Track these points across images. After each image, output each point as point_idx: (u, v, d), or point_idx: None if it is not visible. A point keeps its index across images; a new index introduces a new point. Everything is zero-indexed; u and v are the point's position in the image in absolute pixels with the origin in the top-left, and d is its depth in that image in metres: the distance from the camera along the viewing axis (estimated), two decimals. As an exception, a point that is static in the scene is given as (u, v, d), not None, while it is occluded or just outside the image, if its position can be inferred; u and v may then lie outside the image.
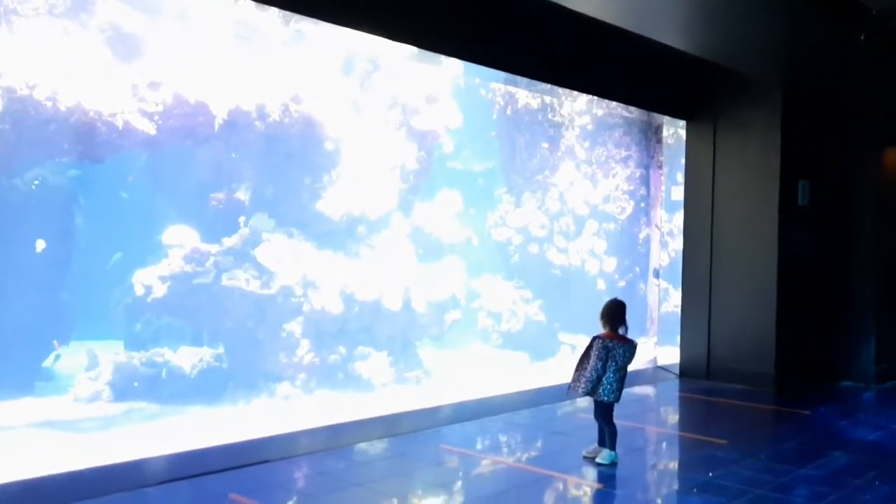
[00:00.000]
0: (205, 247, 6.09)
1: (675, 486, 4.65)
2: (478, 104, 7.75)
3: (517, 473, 5.09)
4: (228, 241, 6.13)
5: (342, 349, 6.45)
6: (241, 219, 6.34)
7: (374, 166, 6.85)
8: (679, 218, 10.00)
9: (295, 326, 6.18)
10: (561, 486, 4.82)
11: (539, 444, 5.98)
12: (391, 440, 5.75)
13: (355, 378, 6.50)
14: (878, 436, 6.50)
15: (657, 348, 9.59)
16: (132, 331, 6.96)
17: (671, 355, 9.76)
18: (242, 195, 6.40)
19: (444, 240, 7.36)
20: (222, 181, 6.35)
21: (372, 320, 6.68)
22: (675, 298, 10.02)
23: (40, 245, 6.21)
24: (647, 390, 8.53)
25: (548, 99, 8.40)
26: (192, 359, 6.20)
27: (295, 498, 4.35)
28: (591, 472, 5.18)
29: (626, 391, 8.35)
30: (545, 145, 8.36)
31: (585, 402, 7.65)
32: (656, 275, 9.75)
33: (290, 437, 5.52)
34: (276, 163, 6.32)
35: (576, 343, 8.67)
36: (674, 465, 5.33)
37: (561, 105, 8.52)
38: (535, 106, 8.26)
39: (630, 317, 9.61)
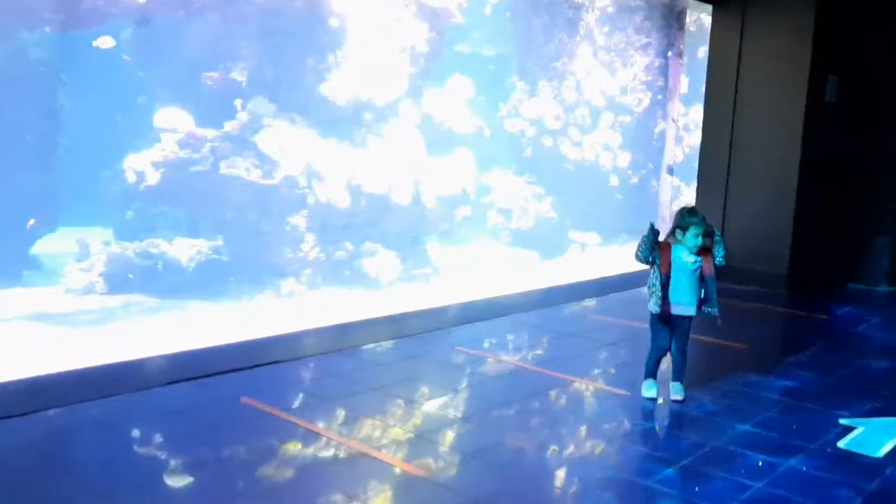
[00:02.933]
0: (201, 131, 5.64)
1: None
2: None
3: (534, 377, 4.88)
4: (226, 126, 5.67)
5: (349, 245, 6.13)
6: (239, 101, 5.84)
7: (381, 47, 6.30)
8: (695, 112, 9.52)
9: (299, 220, 5.82)
10: (586, 389, 4.63)
11: (553, 347, 5.78)
12: (401, 341, 5.54)
13: (362, 275, 6.22)
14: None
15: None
16: (124, 219, 6.58)
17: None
18: (239, 75, 5.88)
19: (455, 130, 6.91)
20: (217, 59, 5.81)
21: (380, 215, 6.33)
22: (686, 196, 9.70)
23: (23, 124, 5.74)
24: (645, 289, 8.31)
25: (570, -23, 7.74)
26: (189, 251, 5.88)
27: (309, 402, 4.13)
28: (612, 377, 4.98)
29: (635, 291, 8.17)
30: (563, 30, 7.77)
31: (593, 303, 7.48)
32: (670, 171, 9.37)
33: (298, 337, 5.29)
34: (277, 40, 5.77)
35: (586, 241, 8.39)
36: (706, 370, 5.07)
37: (583, -16, 7.88)
38: (556, -16, 7.61)
39: (637, 214, 9.37)
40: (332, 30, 5.95)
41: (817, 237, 8.47)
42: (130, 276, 5.90)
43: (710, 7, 8.75)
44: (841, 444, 3.70)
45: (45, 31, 5.32)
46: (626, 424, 4.12)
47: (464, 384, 4.73)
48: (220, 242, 5.74)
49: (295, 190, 5.79)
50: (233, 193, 5.59)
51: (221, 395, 4.12)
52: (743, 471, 3.43)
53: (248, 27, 5.69)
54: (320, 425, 3.78)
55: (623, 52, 8.50)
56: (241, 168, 5.58)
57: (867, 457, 3.58)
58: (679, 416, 4.09)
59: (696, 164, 9.61)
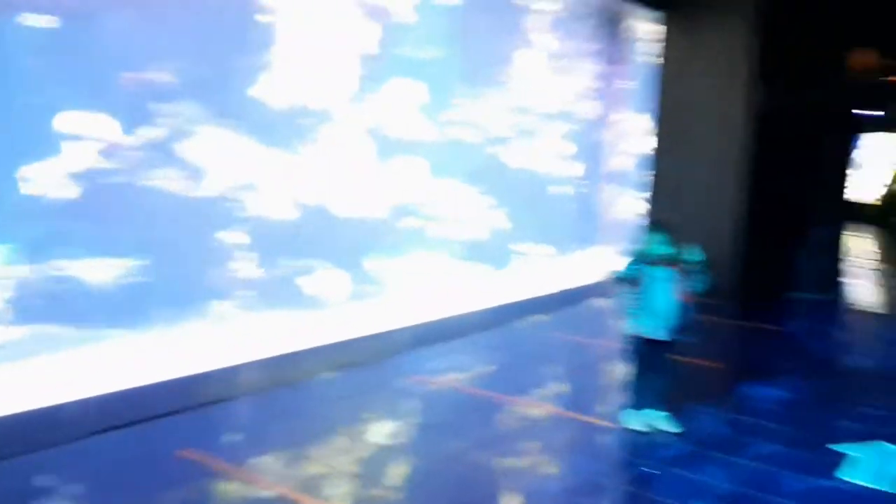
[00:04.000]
0: (119, 139, 5.01)
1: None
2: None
3: (493, 404, 4.58)
4: (147, 133, 5.06)
5: (289, 262, 5.60)
6: (161, 105, 5.23)
7: (321, 48, 5.80)
8: (636, 120, 9.42)
9: (233, 236, 5.25)
10: (560, 419, 4.30)
11: (515, 371, 5.45)
12: (350, 370, 5.18)
13: (304, 295, 5.69)
14: (855, 357, 6.31)
15: (613, 256, 9.12)
16: (27, 237, 5.83)
17: (625, 264, 9.31)
18: (161, 76, 5.26)
19: (400, 137, 6.46)
20: (136, 57, 5.17)
21: (322, 229, 5.82)
22: (629, 204, 9.55)
23: None
24: (601, 302, 8.16)
25: (516, -21, 7.42)
26: (107, 273, 5.22)
27: (264, 450, 3.66)
28: (589, 405, 4.67)
29: (587, 305, 7.95)
30: (510, 36, 7.45)
31: (549, 319, 7.19)
32: (615, 180, 9.20)
33: (237, 371, 4.77)
34: (205, 37, 5.19)
35: (535, 252, 8.10)
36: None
37: (529, -13, 7.57)
38: (503, -14, 7.28)
39: (586, 224, 9.13)
40: (267, 28, 5.42)
41: (760, 249, 8.45)
42: (38, 301, 5.18)
43: (655, 16, 8.64)
44: (839, 473, 3.46)
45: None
46: (613, 462, 3.79)
47: (419, 416, 4.38)
48: (142, 262, 5.10)
49: (228, 203, 5.22)
50: (157, 208, 4.98)
51: (156, 447, 3.59)
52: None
53: (172, 23, 5.10)
54: (269, 479, 3.32)
55: (569, 58, 8.26)
56: (166, 179, 4.97)
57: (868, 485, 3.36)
58: (664, 451, 3.80)
59: (640, 173, 9.50)
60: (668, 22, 8.65)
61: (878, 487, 3.42)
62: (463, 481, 3.40)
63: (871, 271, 11.10)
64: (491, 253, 7.45)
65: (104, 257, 5.21)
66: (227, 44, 5.27)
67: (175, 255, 5.13)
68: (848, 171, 10.14)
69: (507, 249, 7.73)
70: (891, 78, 14.30)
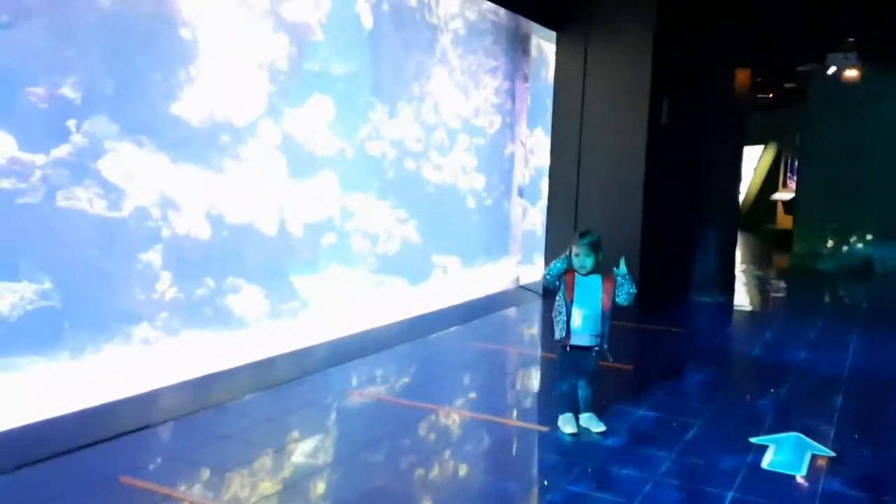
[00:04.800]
0: (26, 157, 4.75)
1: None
2: (351, 0, 6.77)
3: (421, 416, 4.66)
4: (59, 151, 4.82)
5: (210, 281, 5.47)
6: (72, 122, 5.00)
7: (238, 63, 5.73)
8: (538, 134, 9.78)
9: (153, 255, 5.09)
10: (491, 425, 4.42)
11: (441, 381, 5.56)
12: (276, 388, 5.17)
13: (226, 314, 5.58)
14: (756, 351, 6.85)
15: (519, 268, 9.46)
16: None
17: (532, 275, 9.70)
18: (71, 92, 5.04)
19: (317, 152, 6.46)
20: (43, 72, 4.93)
21: (242, 246, 5.73)
22: (533, 217, 9.90)
23: None
24: (512, 312, 8.43)
25: (425, -3, 7.58)
26: (13, 299, 4.91)
27: (204, 473, 3.61)
28: (523, 411, 4.84)
29: (503, 314, 8.22)
30: (420, 51, 7.60)
31: (466, 329, 7.35)
32: (520, 193, 9.51)
33: (161, 394, 4.65)
34: (118, 51, 5.02)
35: (448, 265, 8.26)
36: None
37: (438, 5, 7.73)
38: (413, 4, 7.41)
39: (494, 236, 9.42)
40: (183, 42, 5.30)
41: (660, 254, 8.97)
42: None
43: (553, 33, 9.02)
44: (764, 465, 3.78)
45: None
46: (547, 463, 3.95)
47: (348, 431, 4.42)
48: (54, 287, 4.85)
49: (147, 222, 5.06)
50: (71, 229, 4.76)
51: (95, 476, 3.49)
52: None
53: (81, 36, 4.90)
54: (210, 501, 3.28)
55: (475, 73, 8.50)
56: (82, 199, 4.77)
57: (793, 476, 3.69)
58: (595, 451, 4.00)
59: (542, 185, 9.86)
60: (563, 41, 9.06)
61: (793, 473, 3.76)
62: (398, 493, 3.47)
63: (749, 273, 12.02)
64: (406, 266, 7.55)
65: (11, 282, 4.92)
66: (143, 58, 5.12)
67: (89, 276, 4.92)
68: (736, 180, 10.92)
69: (422, 262, 7.85)
70: (769, 94, 15.55)
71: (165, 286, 5.20)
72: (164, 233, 5.20)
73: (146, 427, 4.25)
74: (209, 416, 4.63)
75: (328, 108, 6.58)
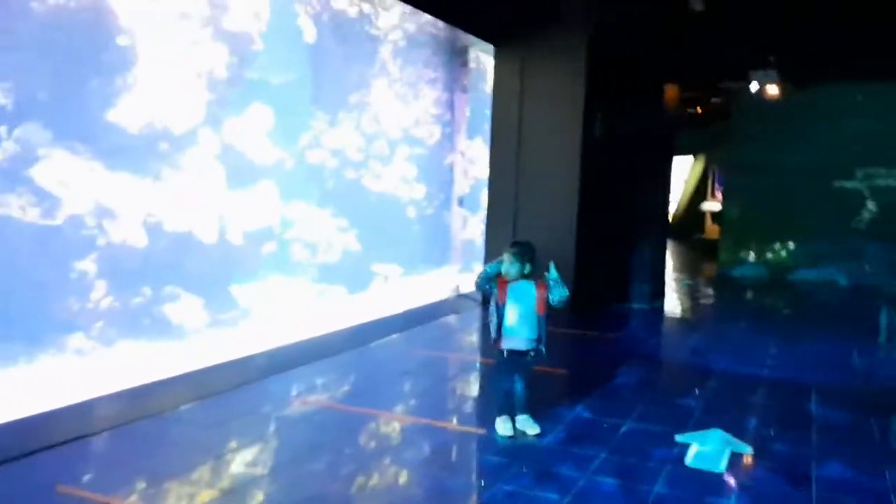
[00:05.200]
0: (-46, 164, 4.63)
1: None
2: (292, 9, 6.82)
3: (362, 422, 4.73)
4: (-11, 157, 4.73)
5: (147, 290, 5.42)
6: (2, 129, 4.91)
7: (177, 71, 5.71)
8: (478, 145, 9.98)
9: (88, 264, 5.03)
10: (432, 429, 4.52)
11: (385, 388, 5.64)
12: (214, 397, 5.17)
13: (164, 324, 5.53)
14: (684, 354, 7.12)
15: (458, 276, 9.61)
16: None
17: (471, 283, 9.83)
18: (1, 97, 4.95)
19: (257, 161, 6.48)
20: (-27, 77, 4.83)
21: (181, 255, 5.70)
22: (472, 226, 10.08)
23: None
24: (452, 319, 8.57)
25: (366, 8, 7.67)
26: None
27: (142, 482, 3.61)
28: (462, 415, 4.96)
29: (443, 322, 8.36)
30: (361, 61, 7.69)
31: (407, 336, 7.44)
32: (460, 203, 9.68)
33: (98, 403, 4.61)
34: (53, 58, 4.95)
35: (388, 274, 8.34)
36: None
37: (378, 16, 7.84)
38: (354, 14, 7.50)
39: (434, 245, 9.56)
40: (120, 49, 5.27)
41: (595, 263, 9.25)
42: None
43: (491, 46, 9.23)
44: (688, 462, 4.00)
45: None
46: (487, 465, 4.08)
47: (289, 439, 4.45)
48: (-15, 296, 4.74)
49: (82, 231, 4.99)
50: (2, 238, 4.66)
51: (32, 484, 3.46)
52: (619, 500, 3.56)
53: (15, 42, 4.82)
54: None
55: (415, 85, 8.63)
56: (13, 207, 4.68)
57: (713, 473, 3.91)
58: (530, 451, 4.15)
59: (481, 196, 10.05)
60: (501, 54, 9.29)
61: (714, 469, 3.98)
62: (339, 499, 3.54)
63: (678, 281, 12.46)
64: (346, 274, 7.60)
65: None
66: (80, 65, 5.07)
67: (20, 286, 4.82)
68: (666, 191, 11.33)
69: (362, 271, 7.92)
70: (698, 109, 16.16)
71: (101, 295, 5.13)
72: (100, 241, 5.14)
73: (83, 437, 4.21)
74: (147, 425, 4.60)
75: (268, 117, 6.60)
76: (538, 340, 4.54)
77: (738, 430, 4.63)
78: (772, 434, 4.73)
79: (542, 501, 3.53)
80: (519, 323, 4.45)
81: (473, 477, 3.98)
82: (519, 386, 4.62)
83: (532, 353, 4.48)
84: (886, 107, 12.12)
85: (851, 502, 3.72)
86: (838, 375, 6.44)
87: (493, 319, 4.51)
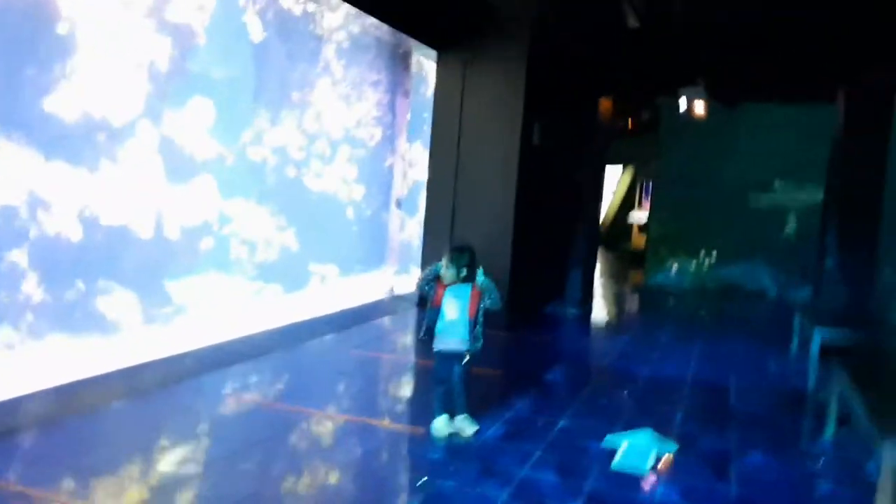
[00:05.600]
0: None
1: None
2: (237, 4, 6.78)
3: (296, 420, 4.77)
4: (-84, 142, 4.55)
5: (80, 284, 5.30)
6: (-70, 113, 4.74)
7: (118, 61, 5.61)
8: (417, 149, 10.08)
9: (19, 256, 4.88)
10: (366, 428, 4.59)
11: (322, 387, 5.68)
12: (151, 394, 5.12)
13: (97, 318, 5.42)
14: (613, 358, 7.38)
15: (395, 277, 9.69)
16: None
17: (407, 285, 9.95)
18: (-70, 81, 4.77)
19: (196, 156, 6.40)
20: None
21: (117, 249, 5.59)
22: (410, 228, 10.16)
23: None
24: (387, 320, 8.64)
25: (311, 7, 7.67)
26: None
27: (69, 479, 3.57)
28: (395, 414, 5.03)
29: (379, 322, 8.44)
30: (304, 60, 7.69)
31: (344, 336, 7.47)
32: (399, 205, 9.76)
33: (27, 399, 4.50)
34: (-12, 42, 4.81)
35: (326, 273, 8.35)
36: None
37: (323, 17, 7.85)
38: (298, 13, 7.49)
39: (372, 246, 9.64)
40: (59, 37, 5.14)
41: (529, 267, 9.48)
42: None
43: (434, 52, 9.36)
44: (614, 466, 4.19)
45: None
46: (425, 463, 4.17)
47: (222, 436, 4.45)
48: None
49: (14, 221, 4.85)
50: (-71, 225, 4.50)
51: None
52: (552, 493, 3.71)
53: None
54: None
55: (357, 86, 8.67)
56: (-58, 194, 4.52)
57: (639, 475, 4.11)
58: (469, 448, 4.27)
59: (419, 198, 10.15)
60: (444, 60, 9.42)
61: (641, 465, 4.17)
62: (272, 498, 3.57)
63: (607, 289, 12.86)
64: (284, 273, 7.57)
65: None
66: (16, 53, 4.92)
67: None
68: (598, 200, 11.68)
69: (299, 270, 7.90)
70: (629, 121, 16.69)
71: (31, 288, 5.00)
72: (33, 233, 5.00)
73: (10, 432, 4.10)
74: (78, 421, 4.51)
75: (209, 111, 6.54)
76: (471, 342, 4.66)
77: (664, 426, 4.87)
78: (695, 431, 4.98)
79: (484, 496, 3.66)
80: (452, 325, 4.57)
81: (412, 476, 4.07)
82: (457, 387, 4.73)
83: (466, 354, 4.60)
84: (804, 125, 12.82)
85: (769, 489, 4.00)
86: (755, 377, 6.81)
87: (427, 320, 4.64)
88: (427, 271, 4.63)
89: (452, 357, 4.63)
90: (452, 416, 4.66)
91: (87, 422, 4.46)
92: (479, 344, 4.62)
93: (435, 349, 4.61)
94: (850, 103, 10.10)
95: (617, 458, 4.31)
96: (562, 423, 4.89)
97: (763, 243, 13.21)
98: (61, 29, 5.17)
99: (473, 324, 4.62)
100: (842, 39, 9.09)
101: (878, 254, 9.35)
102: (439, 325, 4.63)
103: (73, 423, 4.38)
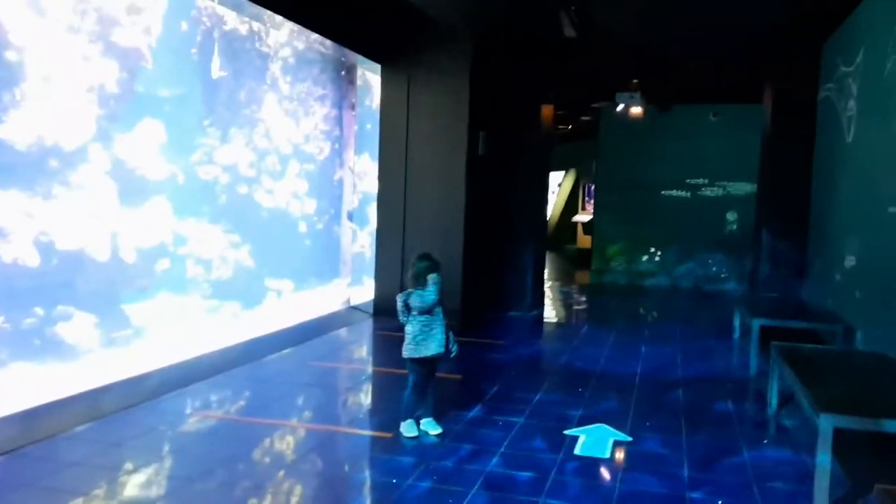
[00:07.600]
0: None
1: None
2: (182, 25, 6.83)
3: (262, 434, 4.88)
4: None
5: (39, 310, 5.29)
6: None
7: (67, 87, 5.62)
8: (365, 161, 10.24)
9: (-25, 285, 4.87)
10: (338, 436, 4.74)
11: (285, 399, 5.79)
12: (106, 419, 5.15)
13: (56, 344, 5.41)
14: (566, 357, 7.68)
15: (349, 289, 9.82)
16: None
17: (362, 295, 10.09)
18: None
19: (149, 177, 6.43)
20: None
21: (74, 273, 5.59)
22: (361, 239, 10.30)
23: None
24: (344, 331, 8.77)
25: (256, 26, 7.75)
26: None
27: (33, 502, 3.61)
28: (363, 421, 5.19)
29: (335, 334, 8.58)
30: (251, 78, 7.77)
31: (303, 349, 7.57)
32: (350, 217, 9.90)
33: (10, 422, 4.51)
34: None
35: (282, 288, 8.43)
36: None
37: (268, 34, 7.94)
38: (244, 32, 7.57)
39: (325, 259, 9.81)
40: (8, 64, 5.14)
41: (481, 274, 9.72)
42: None
43: (377, 65, 9.53)
44: (577, 451, 4.44)
45: None
46: (396, 465, 4.35)
47: (188, 455, 4.52)
48: None
49: (-31, 250, 4.83)
50: None
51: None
52: (521, 487, 3.94)
53: None
54: None
55: (304, 101, 8.78)
56: None
57: (600, 458, 4.37)
58: (435, 450, 4.46)
59: (369, 210, 10.31)
60: (388, 73, 9.61)
61: (600, 456, 4.44)
62: None
63: (555, 289, 13.20)
64: (240, 290, 7.63)
65: None
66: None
67: None
68: (543, 204, 12.01)
69: (255, 286, 7.96)
70: (569, 126, 17.11)
71: (-10, 316, 4.98)
72: (-11, 261, 4.99)
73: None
74: (40, 447, 4.52)
75: (159, 132, 6.57)
76: (451, 342, 4.85)
77: (617, 422, 5.14)
78: (647, 424, 5.27)
79: (455, 494, 3.84)
80: (430, 332, 4.75)
81: (383, 478, 4.23)
82: (420, 391, 4.91)
83: (447, 355, 4.79)
84: (737, 126, 13.42)
85: (715, 470, 4.29)
86: (699, 368, 7.17)
87: (410, 336, 4.79)
88: (399, 305, 4.79)
89: (429, 362, 4.81)
90: (417, 420, 4.84)
91: (49, 448, 4.48)
92: (453, 344, 4.80)
93: (411, 355, 4.78)
94: (777, 102, 10.66)
95: (579, 446, 4.56)
96: (522, 421, 5.12)
97: (701, 239, 13.77)
98: (11, 56, 5.17)
99: (446, 330, 4.81)
100: (765, 41, 9.62)
101: (808, 245, 9.91)
102: (415, 335, 4.78)
103: (36, 450, 4.40)
